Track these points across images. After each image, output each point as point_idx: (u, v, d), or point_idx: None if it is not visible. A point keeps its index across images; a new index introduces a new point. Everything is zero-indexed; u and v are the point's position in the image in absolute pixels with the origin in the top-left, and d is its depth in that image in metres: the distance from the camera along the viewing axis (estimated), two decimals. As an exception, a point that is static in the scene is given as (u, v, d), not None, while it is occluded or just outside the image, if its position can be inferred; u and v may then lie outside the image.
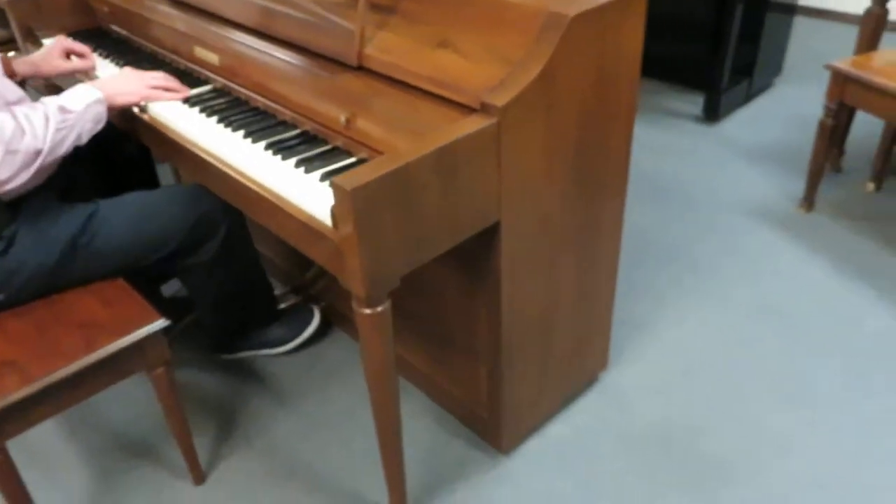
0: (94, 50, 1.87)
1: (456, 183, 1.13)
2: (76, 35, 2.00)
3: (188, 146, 1.41)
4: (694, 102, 3.34)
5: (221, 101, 1.55)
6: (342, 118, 1.30)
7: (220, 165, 1.33)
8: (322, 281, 2.01)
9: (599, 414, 1.76)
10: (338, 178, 1.00)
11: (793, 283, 2.18)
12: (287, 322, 1.93)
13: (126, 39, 1.93)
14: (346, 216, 1.02)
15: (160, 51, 1.81)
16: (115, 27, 2.00)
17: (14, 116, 1.26)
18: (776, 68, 3.43)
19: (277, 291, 1.99)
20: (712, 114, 3.14)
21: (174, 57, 1.76)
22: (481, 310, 1.44)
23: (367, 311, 1.13)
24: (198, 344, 1.97)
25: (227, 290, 1.69)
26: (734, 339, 1.97)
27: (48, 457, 1.71)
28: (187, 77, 1.66)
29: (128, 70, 1.55)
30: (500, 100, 1.13)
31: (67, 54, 1.72)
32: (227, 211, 1.54)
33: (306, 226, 1.16)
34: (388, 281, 1.12)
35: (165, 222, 1.48)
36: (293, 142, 1.36)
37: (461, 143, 1.10)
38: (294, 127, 1.43)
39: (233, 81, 1.59)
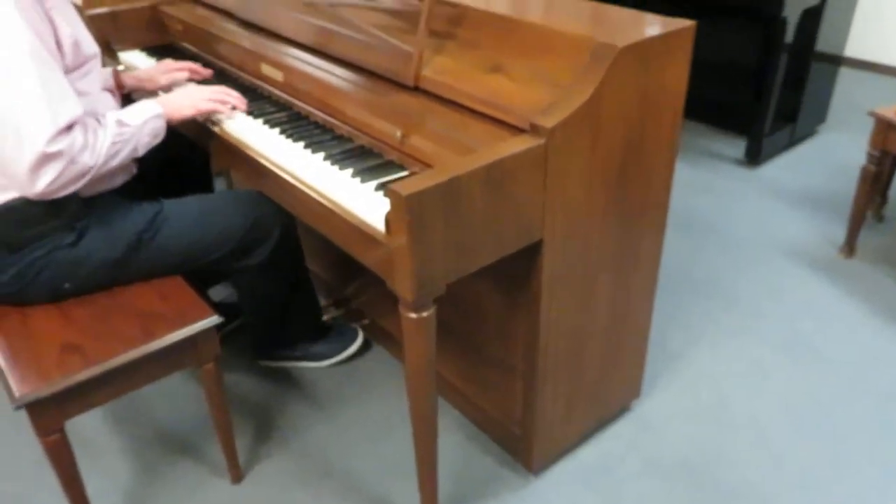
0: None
1: (502, 198, 1.19)
2: (151, 50, 2.14)
3: (252, 154, 1.50)
4: (736, 146, 3.38)
5: (283, 114, 1.64)
6: (398, 134, 1.38)
7: (280, 173, 1.42)
8: (364, 296, 2.07)
9: (629, 440, 1.78)
10: (394, 185, 1.07)
11: (828, 324, 2.19)
12: (331, 339, 2.00)
13: (196, 56, 2.05)
14: (400, 221, 1.09)
15: (228, 67, 1.92)
16: (186, 44, 2.12)
17: (85, 132, 1.34)
18: (820, 116, 3.45)
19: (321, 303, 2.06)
20: (754, 157, 3.17)
21: (241, 73, 1.87)
22: (520, 326, 1.49)
23: (413, 315, 1.19)
24: (240, 349, 2.04)
25: (275, 294, 1.76)
26: (766, 375, 1.99)
27: (96, 444, 1.79)
28: (251, 92, 1.77)
29: (190, 86, 1.66)
30: (550, 121, 1.20)
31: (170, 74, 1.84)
32: (281, 217, 1.62)
33: (360, 231, 1.23)
34: (435, 286, 1.18)
35: (224, 224, 1.56)
36: (350, 154, 1.44)
37: (509, 160, 1.17)
38: (351, 141, 1.51)
39: (295, 97, 1.68)
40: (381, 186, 1.31)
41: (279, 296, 1.78)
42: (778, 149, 3.29)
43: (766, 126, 3.09)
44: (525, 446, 1.64)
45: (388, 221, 1.15)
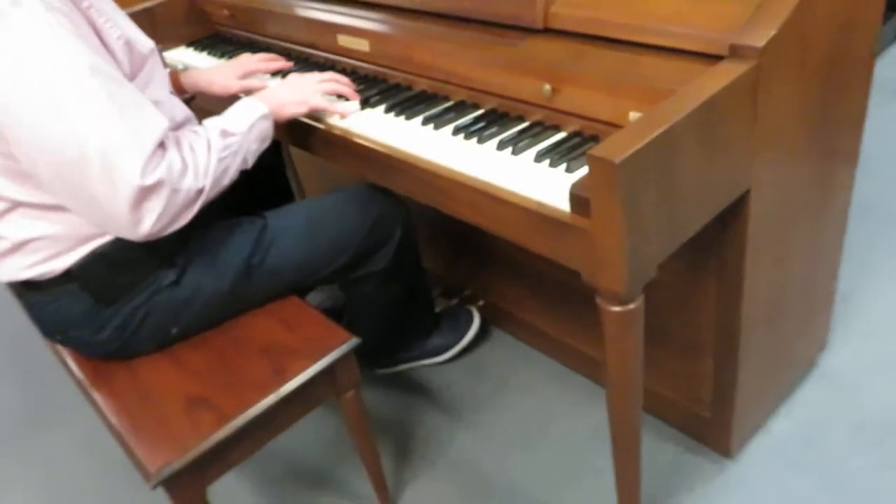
0: (221, 56, 1.75)
1: (714, 144, 0.94)
2: (197, 45, 1.89)
3: (367, 145, 1.24)
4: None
5: (380, 89, 1.39)
6: (545, 88, 1.12)
7: (404, 158, 1.17)
8: (474, 276, 1.84)
9: (824, 402, 1.53)
10: (596, 151, 0.82)
11: None
12: (444, 328, 1.77)
13: (250, 41, 1.80)
14: (607, 196, 0.84)
15: (294, 47, 1.67)
16: (235, 31, 1.87)
17: (179, 149, 1.10)
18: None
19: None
20: None
21: (311, 51, 1.62)
22: (708, 297, 1.24)
23: (618, 308, 0.95)
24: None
25: (397, 300, 1.53)
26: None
27: (232, 495, 1.59)
28: (331, 70, 1.51)
29: (293, 77, 1.37)
30: (759, 39, 0.93)
31: (246, 77, 1.52)
32: (401, 212, 1.38)
33: (532, 214, 0.98)
34: (647, 270, 0.93)
35: (340, 231, 1.33)
36: (481, 123, 1.19)
37: (721, 95, 0.91)
38: (475, 107, 1.25)
39: (388, 67, 1.42)
40: (542, 156, 1.06)
41: (400, 302, 1.54)
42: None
43: None
44: (718, 429, 1.40)
45: (581, 198, 0.90)
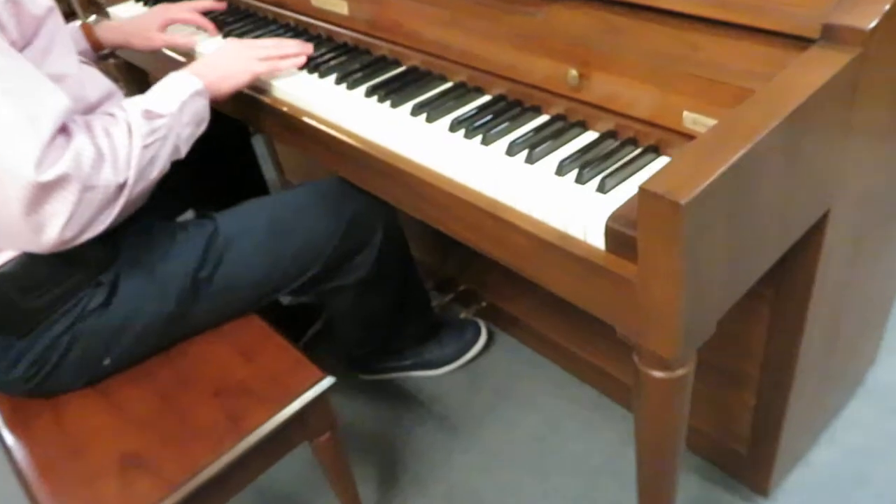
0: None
1: (799, 164, 0.71)
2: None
3: (336, 135, 1.00)
4: None
5: (361, 63, 1.13)
6: (572, 74, 0.87)
7: (386, 159, 0.93)
8: (475, 273, 1.61)
9: (874, 426, 1.33)
10: (653, 184, 0.59)
11: None
12: (445, 338, 1.54)
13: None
14: (665, 242, 0.61)
15: (261, 5, 1.39)
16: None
17: (91, 134, 0.86)
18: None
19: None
20: None
21: (279, 10, 1.35)
22: (758, 327, 1.02)
23: (664, 375, 0.73)
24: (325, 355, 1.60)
25: (381, 308, 1.31)
26: None
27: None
28: (302, 37, 1.25)
29: (231, 43, 1.13)
30: (866, 19, 0.69)
31: (166, 27, 1.30)
32: (382, 208, 1.14)
33: (550, 247, 0.75)
34: (706, 327, 0.71)
35: (308, 235, 1.09)
36: (487, 115, 0.94)
37: (818, 98, 0.67)
38: (479, 92, 1.00)
39: (372, 35, 1.16)
40: (567, 166, 0.82)
41: (387, 308, 1.32)
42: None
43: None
44: (758, 466, 1.20)
45: (623, 237, 0.67)
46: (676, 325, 0.66)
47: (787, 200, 0.72)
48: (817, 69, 0.68)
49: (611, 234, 0.69)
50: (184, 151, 0.99)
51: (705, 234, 0.62)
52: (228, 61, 1.07)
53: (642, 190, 0.59)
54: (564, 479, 1.34)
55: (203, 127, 1.01)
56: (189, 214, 1.41)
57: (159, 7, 1.33)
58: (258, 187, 1.61)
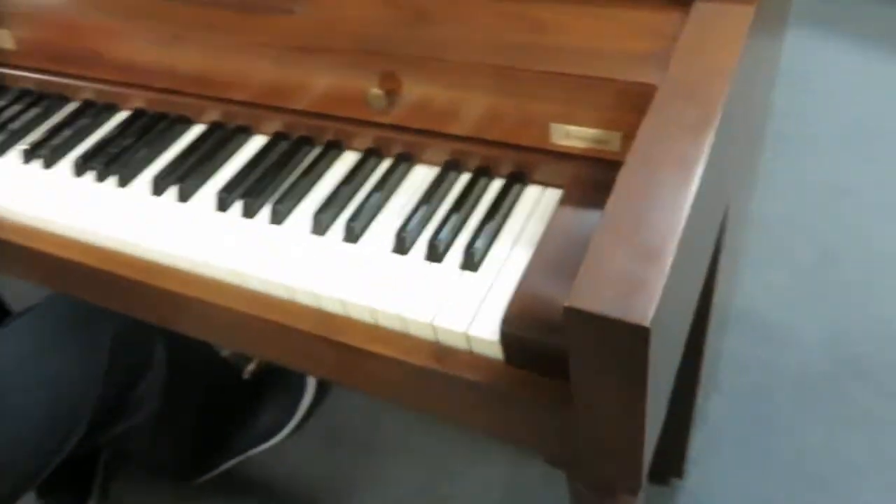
0: None
1: (716, 172, 0.51)
2: None
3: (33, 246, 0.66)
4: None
5: (60, 120, 0.78)
6: (373, 92, 0.59)
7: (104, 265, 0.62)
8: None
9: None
10: (585, 300, 0.36)
11: None
12: (268, 399, 1.25)
13: None
14: (622, 370, 0.39)
15: None
16: None
17: None
18: None
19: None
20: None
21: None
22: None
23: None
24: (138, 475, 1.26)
25: (189, 423, 0.99)
26: None
27: None
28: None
29: None
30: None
31: None
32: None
33: (409, 369, 0.51)
34: (652, 446, 0.51)
35: (49, 389, 0.75)
36: (256, 173, 0.65)
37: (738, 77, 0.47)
38: (246, 133, 0.70)
39: (65, 75, 0.80)
40: (409, 235, 0.56)
41: (197, 416, 1.01)
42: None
43: None
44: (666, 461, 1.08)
45: (524, 346, 0.44)
46: (636, 451, 0.45)
47: (706, 228, 0.53)
48: (730, 32, 0.48)
49: (509, 341, 0.46)
50: None
51: (660, 341, 0.41)
52: None
53: (573, 311, 0.36)
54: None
55: None
56: None
57: None
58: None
